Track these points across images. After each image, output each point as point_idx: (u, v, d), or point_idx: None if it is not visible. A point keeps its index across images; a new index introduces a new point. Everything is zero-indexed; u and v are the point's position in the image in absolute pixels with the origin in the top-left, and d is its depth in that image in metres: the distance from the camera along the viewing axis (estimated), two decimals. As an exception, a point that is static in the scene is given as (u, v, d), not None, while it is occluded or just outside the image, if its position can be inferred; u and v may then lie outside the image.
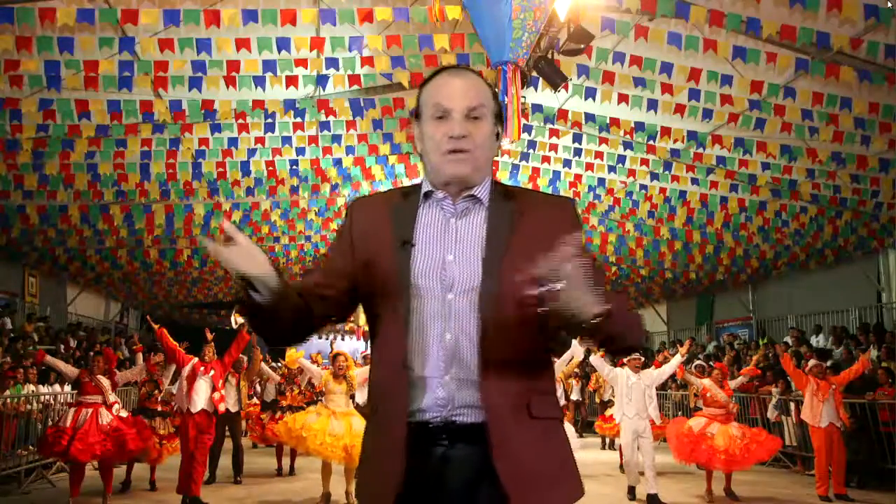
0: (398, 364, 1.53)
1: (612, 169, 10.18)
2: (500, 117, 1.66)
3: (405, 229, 1.59)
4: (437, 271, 1.55)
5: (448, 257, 1.55)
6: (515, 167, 10.49)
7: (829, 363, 9.02)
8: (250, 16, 6.23)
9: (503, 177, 10.23)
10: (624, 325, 1.48)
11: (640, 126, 8.67)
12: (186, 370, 6.96)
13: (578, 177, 10.45)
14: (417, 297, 1.54)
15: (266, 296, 1.44)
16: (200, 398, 6.88)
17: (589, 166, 10.03)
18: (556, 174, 10.53)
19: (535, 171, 10.64)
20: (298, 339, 1.66)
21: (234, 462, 8.41)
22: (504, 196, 1.64)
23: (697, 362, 10.59)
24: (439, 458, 1.50)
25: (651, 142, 9.16)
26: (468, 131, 1.56)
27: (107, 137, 8.47)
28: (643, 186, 10.86)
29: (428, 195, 1.63)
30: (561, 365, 7.74)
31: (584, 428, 14.28)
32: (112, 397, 6.97)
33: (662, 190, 10.76)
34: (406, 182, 11.00)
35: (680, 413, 12.19)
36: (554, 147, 9.80)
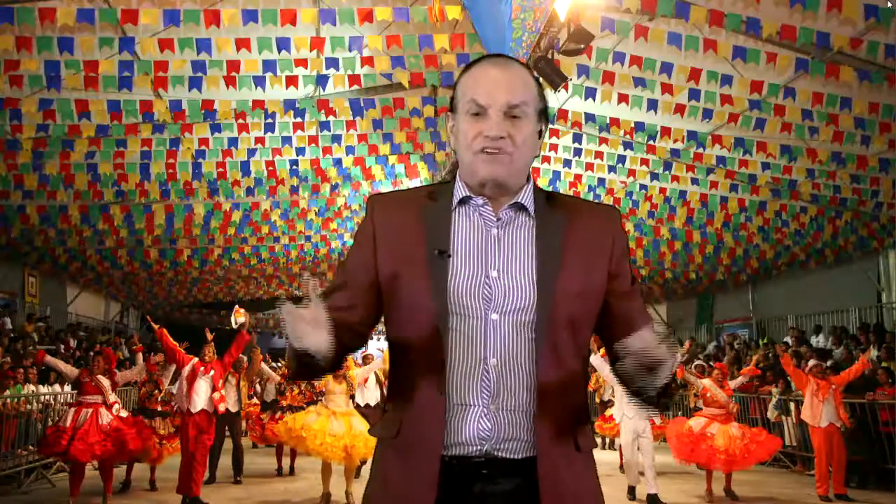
0: (433, 389, 1.37)
1: (612, 169, 10.17)
2: (544, 114, 1.47)
3: (440, 237, 1.41)
4: (478, 288, 1.38)
5: (492, 273, 1.39)
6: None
7: (829, 363, 9.02)
8: (250, 16, 6.23)
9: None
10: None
11: (640, 126, 8.67)
12: (186, 370, 6.95)
13: (578, 177, 10.45)
14: (455, 315, 1.37)
15: (318, 360, 1.30)
16: (200, 398, 6.87)
17: (589, 166, 10.03)
18: (556, 174, 10.53)
19: (535, 171, 10.58)
20: (328, 373, 1.55)
21: (234, 462, 8.40)
22: (548, 204, 1.48)
23: (697, 362, 10.55)
24: (477, 494, 1.37)
25: (651, 142, 9.16)
26: (506, 132, 1.38)
27: (107, 137, 8.47)
28: (643, 186, 10.87)
29: (464, 201, 1.45)
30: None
31: (584, 428, 14.24)
32: (112, 397, 6.97)
33: (662, 190, 10.76)
34: (406, 182, 11.00)
35: (680, 413, 12.17)
36: (554, 147, 9.80)
